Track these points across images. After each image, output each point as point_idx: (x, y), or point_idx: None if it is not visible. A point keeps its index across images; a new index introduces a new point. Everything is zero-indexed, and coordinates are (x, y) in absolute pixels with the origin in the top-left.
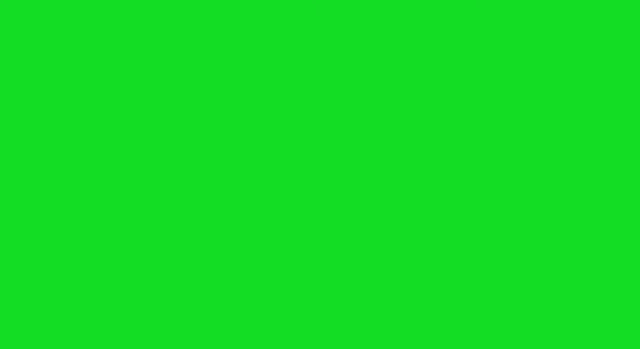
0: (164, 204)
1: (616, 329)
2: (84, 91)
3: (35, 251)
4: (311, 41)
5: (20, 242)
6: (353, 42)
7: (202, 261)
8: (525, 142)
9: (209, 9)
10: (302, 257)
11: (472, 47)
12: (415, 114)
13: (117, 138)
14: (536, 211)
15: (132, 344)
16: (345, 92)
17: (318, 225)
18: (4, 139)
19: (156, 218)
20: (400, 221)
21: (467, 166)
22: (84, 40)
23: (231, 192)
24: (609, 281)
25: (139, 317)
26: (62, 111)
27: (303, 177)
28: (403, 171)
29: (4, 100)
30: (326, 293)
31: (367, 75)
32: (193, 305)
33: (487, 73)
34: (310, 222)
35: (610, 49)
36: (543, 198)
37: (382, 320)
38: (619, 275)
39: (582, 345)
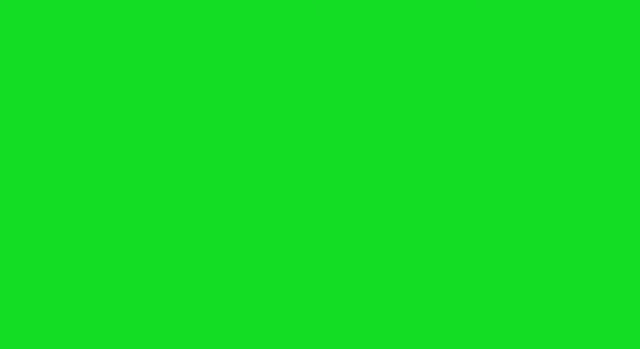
0: (163, 203)
1: (616, 329)
2: (84, 91)
3: (36, 251)
4: (311, 41)
5: (20, 243)
6: (353, 42)
7: (202, 261)
8: (525, 142)
9: (209, 9)
10: (302, 257)
11: (472, 47)
12: (415, 114)
13: (116, 138)
14: (536, 211)
15: (132, 345)
16: (344, 92)
17: (318, 225)
18: (4, 139)
19: (156, 218)
20: (400, 221)
21: (467, 166)
22: (84, 40)
23: (231, 191)
24: (609, 281)
25: (139, 317)
26: (62, 111)
27: (303, 177)
28: (403, 171)
29: (4, 100)
30: (326, 293)
31: (367, 76)
32: (193, 305)
33: (487, 73)
34: (310, 222)
35: (610, 49)
36: (543, 198)
37: (382, 320)
38: (619, 275)
39: (582, 345)
